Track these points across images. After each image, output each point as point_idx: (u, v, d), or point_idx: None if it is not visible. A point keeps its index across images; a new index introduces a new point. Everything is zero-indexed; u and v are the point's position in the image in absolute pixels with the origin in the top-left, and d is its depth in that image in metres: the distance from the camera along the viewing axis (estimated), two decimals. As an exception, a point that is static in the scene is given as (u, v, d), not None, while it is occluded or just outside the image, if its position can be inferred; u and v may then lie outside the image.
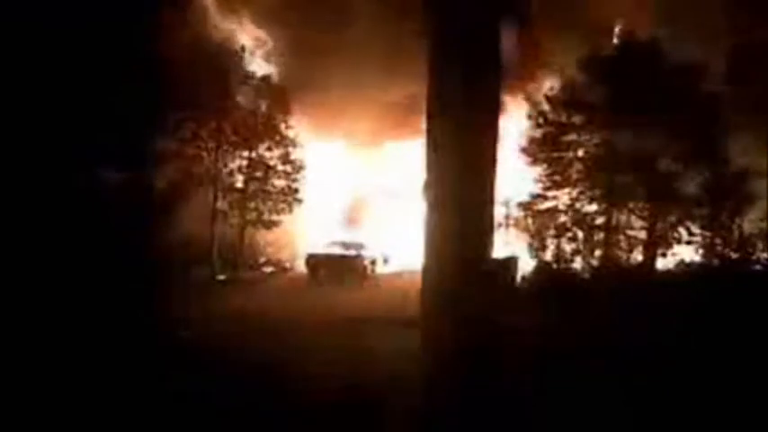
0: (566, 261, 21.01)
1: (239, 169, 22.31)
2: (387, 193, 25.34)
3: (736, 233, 20.07)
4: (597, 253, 21.08)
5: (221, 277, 20.85)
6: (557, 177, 21.25)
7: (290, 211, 23.03)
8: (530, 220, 22.04)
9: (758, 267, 19.14)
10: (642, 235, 20.63)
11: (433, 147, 5.08)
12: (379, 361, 9.83)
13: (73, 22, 13.93)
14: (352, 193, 25.23)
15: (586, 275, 20.42)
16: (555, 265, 20.88)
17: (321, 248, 22.58)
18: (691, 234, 20.31)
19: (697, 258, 20.06)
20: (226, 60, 21.22)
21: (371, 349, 10.92)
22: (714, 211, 20.04)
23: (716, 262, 19.59)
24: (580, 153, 21.15)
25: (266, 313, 14.91)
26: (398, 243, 22.40)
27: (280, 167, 22.87)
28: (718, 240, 20.05)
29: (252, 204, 22.57)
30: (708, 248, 20.02)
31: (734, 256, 19.55)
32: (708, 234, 20.13)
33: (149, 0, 15.53)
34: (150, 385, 8.47)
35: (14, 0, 13.06)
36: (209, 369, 9.39)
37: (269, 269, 23.11)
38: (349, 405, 7.85)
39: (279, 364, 9.81)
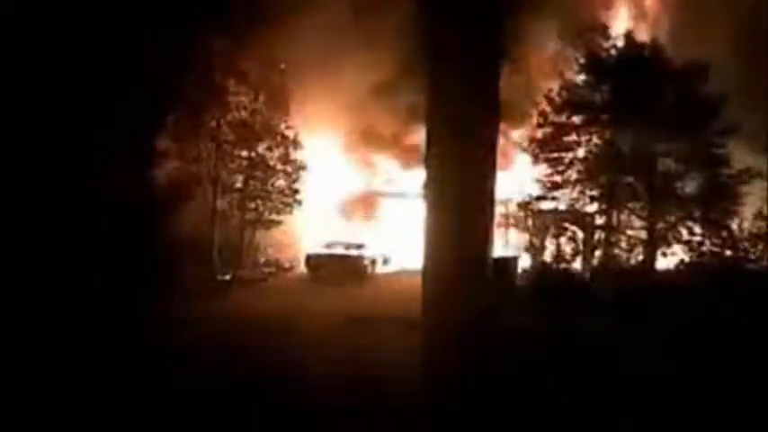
0: (566, 261, 21.01)
1: (239, 169, 22.27)
2: (387, 193, 25.33)
3: (736, 233, 20.09)
4: (597, 253, 21.07)
5: (221, 277, 20.84)
6: (557, 177, 21.23)
7: (291, 211, 23.00)
8: (530, 221, 22.03)
9: (755, 266, 19.18)
10: (642, 235, 20.61)
11: (433, 147, 5.08)
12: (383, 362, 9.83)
13: (74, 25, 13.94)
14: (348, 189, 25.13)
15: (586, 275, 20.42)
16: (555, 265, 20.88)
17: (321, 248, 22.57)
18: (691, 234, 20.30)
19: (687, 258, 20.08)
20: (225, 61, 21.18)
21: (374, 350, 10.93)
22: (711, 211, 20.03)
23: (714, 261, 19.60)
24: (580, 153, 21.12)
25: (266, 313, 14.91)
26: (398, 243, 22.37)
27: (279, 167, 22.83)
28: (716, 240, 20.05)
29: (252, 204, 22.53)
30: (698, 248, 20.04)
31: (729, 254, 19.60)
32: (705, 234, 20.11)
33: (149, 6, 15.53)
34: (150, 383, 8.47)
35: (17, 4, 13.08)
36: (210, 368, 9.39)
37: (269, 269, 23.09)
38: (351, 406, 7.85)
39: (279, 365, 9.81)
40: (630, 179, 20.29)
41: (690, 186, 20.21)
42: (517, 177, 20.72)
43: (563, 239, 21.29)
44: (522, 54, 19.99)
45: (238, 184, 22.41)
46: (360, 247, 22.60)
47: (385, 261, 23.68)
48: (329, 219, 24.43)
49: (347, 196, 25.11)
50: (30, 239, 12.72)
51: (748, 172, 19.75)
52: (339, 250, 22.33)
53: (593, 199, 20.92)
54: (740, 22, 19.67)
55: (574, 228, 21.20)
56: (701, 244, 20.04)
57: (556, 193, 21.26)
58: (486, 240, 5.11)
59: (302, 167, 23.05)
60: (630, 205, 20.64)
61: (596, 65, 20.57)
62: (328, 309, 15.56)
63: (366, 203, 25.38)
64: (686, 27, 21.22)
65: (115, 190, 14.21)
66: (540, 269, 20.64)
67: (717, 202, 19.99)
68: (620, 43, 20.68)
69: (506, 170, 19.39)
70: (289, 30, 20.45)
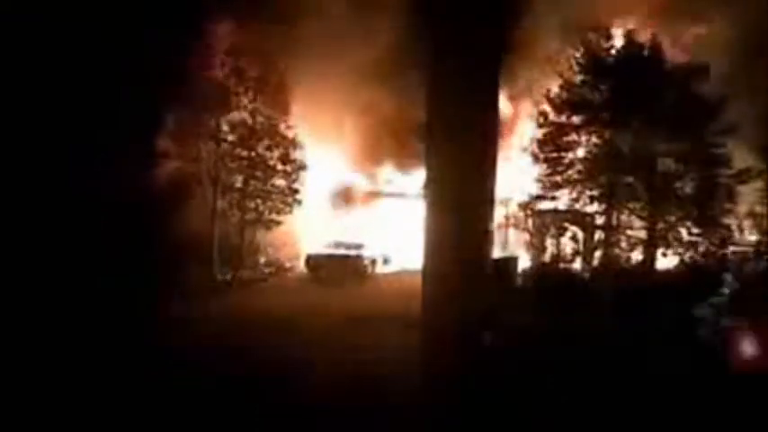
0: (566, 261, 21.01)
1: (239, 169, 22.27)
2: (387, 193, 25.32)
3: (736, 232, 20.13)
4: (597, 253, 21.07)
5: (221, 277, 20.83)
6: (557, 177, 21.23)
7: (290, 211, 23.00)
8: (530, 221, 22.04)
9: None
10: (642, 235, 20.62)
11: (433, 147, 5.08)
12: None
13: (74, 25, 13.93)
14: (347, 189, 25.12)
15: (586, 275, 20.42)
16: (555, 265, 20.88)
17: (321, 248, 22.58)
18: (691, 234, 20.30)
19: (686, 257, 20.10)
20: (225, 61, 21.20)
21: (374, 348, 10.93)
22: (710, 210, 20.04)
23: (713, 261, 19.62)
24: (580, 153, 21.12)
25: (266, 314, 14.91)
26: (398, 243, 22.38)
27: (279, 167, 22.84)
28: (714, 240, 20.07)
29: (252, 204, 22.54)
30: (696, 247, 20.08)
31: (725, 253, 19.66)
32: (704, 233, 20.12)
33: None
34: (151, 383, 8.47)
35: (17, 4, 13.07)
36: (211, 368, 9.39)
37: (269, 269, 23.10)
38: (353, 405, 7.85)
39: (280, 364, 9.81)
40: (630, 179, 20.28)
41: (690, 186, 20.21)
42: (517, 177, 20.71)
43: (563, 239, 21.30)
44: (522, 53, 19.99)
45: (238, 184, 22.42)
46: (360, 247, 22.61)
47: (385, 261, 23.69)
48: (329, 219, 24.43)
49: (346, 195, 25.08)
50: (30, 239, 12.71)
51: (748, 172, 19.78)
52: (339, 250, 22.35)
53: (593, 199, 20.92)
54: (740, 21, 19.67)
55: (574, 228, 21.20)
56: (695, 244, 20.04)
57: (556, 193, 21.26)
58: (486, 240, 5.11)
59: (302, 167, 23.05)
60: (630, 205, 20.63)
61: (596, 65, 20.57)
62: (328, 309, 15.58)
63: (365, 202, 25.36)
64: (686, 26, 21.20)
65: (115, 190, 14.19)
66: (540, 269, 20.64)
67: (716, 201, 20.00)
68: (621, 43, 20.68)
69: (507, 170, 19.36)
70: (288, 29, 20.45)
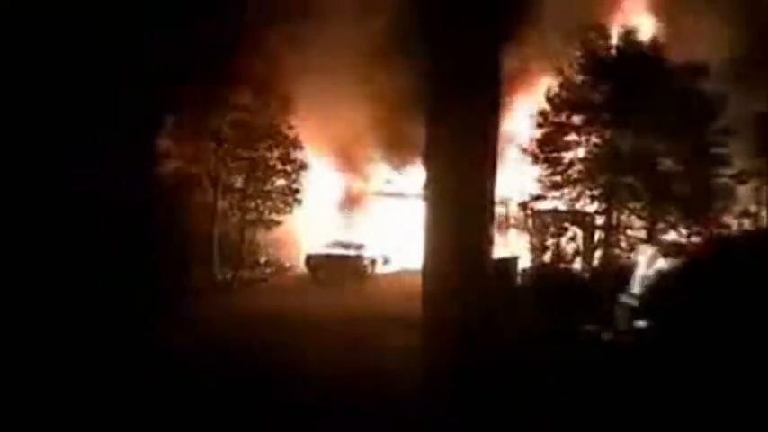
0: (566, 261, 21.00)
1: (239, 169, 22.26)
2: (387, 193, 25.31)
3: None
4: (597, 253, 21.07)
5: (221, 277, 20.83)
6: (557, 177, 21.22)
7: (291, 211, 23.00)
8: (530, 221, 22.03)
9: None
10: (642, 235, 20.61)
11: (433, 147, 5.08)
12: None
13: (74, 25, 13.94)
14: (348, 189, 25.09)
15: (586, 275, 20.42)
16: (555, 265, 20.88)
17: (321, 248, 22.59)
18: (691, 234, 20.30)
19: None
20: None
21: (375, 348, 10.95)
22: (709, 210, 20.05)
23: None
24: (580, 153, 21.12)
25: (267, 314, 14.92)
26: (398, 243, 22.38)
27: (280, 167, 22.83)
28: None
29: (252, 204, 22.54)
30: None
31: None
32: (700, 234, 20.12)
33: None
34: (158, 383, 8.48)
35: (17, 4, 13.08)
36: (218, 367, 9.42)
37: (269, 269, 23.11)
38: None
39: (284, 363, 9.83)
40: (630, 179, 20.28)
41: (690, 186, 20.20)
42: (517, 177, 20.69)
43: (563, 239, 21.30)
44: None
45: (238, 184, 22.41)
46: (360, 247, 22.62)
47: (385, 261, 23.69)
48: (329, 218, 24.42)
49: (347, 196, 25.08)
50: (30, 239, 12.72)
51: (748, 172, 19.79)
52: (339, 250, 22.35)
53: (593, 199, 20.91)
54: (739, 22, 19.66)
55: (574, 228, 21.20)
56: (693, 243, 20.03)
57: (556, 193, 21.24)
58: (486, 240, 5.12)
59: (302, 167, 23.05)
60: (630, 205, 20.63)
61: (596, 65, 20.56)
62: (328, 309, 15.58)
63: (365, 203, 25.35)
64: (686, 26, 21.19)
65: (115, 190, 14.21)
66: (540, 269, 20.64)
67: (715, 200, 20.01)
68: (620, 42, 20.67)
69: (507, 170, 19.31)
70: (288, 29, 20.45)
